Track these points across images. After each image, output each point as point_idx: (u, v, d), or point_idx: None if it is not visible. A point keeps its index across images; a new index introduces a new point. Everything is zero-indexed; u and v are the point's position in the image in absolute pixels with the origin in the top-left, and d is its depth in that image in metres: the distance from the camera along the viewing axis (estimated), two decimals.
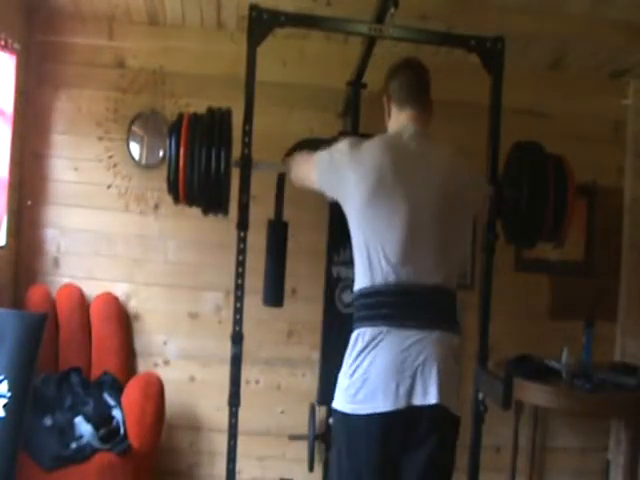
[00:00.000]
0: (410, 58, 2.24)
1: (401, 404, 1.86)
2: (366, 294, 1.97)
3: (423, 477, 1.94)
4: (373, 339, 1.91)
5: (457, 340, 2.00)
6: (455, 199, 2.01)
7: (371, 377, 1.89)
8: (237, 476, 2.44)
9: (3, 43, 2.94)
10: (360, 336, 1.94)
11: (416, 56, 2.26)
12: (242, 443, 2.43)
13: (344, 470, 1.98)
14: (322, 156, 2.12)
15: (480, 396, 2.44)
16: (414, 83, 2.17)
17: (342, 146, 2.07)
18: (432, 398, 1.87)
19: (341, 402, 1.95)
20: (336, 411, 1.99)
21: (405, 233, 1.92)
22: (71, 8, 3.36)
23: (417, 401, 1.87)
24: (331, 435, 2.13)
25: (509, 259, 3.56)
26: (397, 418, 1.87)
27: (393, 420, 1.88)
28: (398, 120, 2.16)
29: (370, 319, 1.94)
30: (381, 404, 1.87)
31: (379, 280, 1.93)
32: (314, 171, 2.14)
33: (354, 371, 1.92)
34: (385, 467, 1.94)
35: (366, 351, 1.91)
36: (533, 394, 3.09)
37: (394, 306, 1.92)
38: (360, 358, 1.92)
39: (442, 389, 1.88)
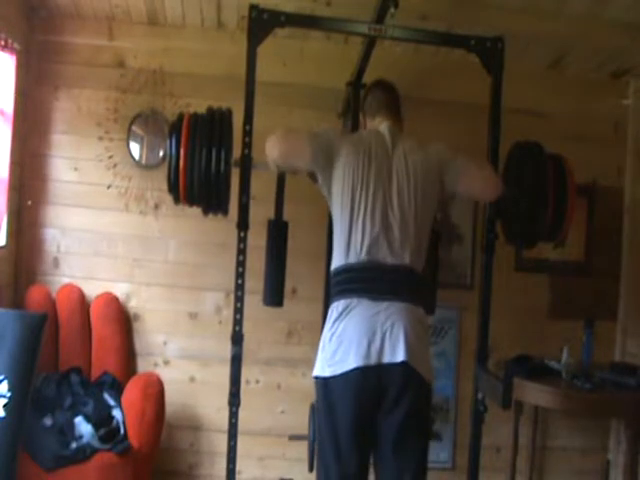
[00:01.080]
0: (381, 79, 2.47)
1: (372, 361, 2.03)
2: (341, 271, 2.16)
3: (399, 441, 2.08)
4: (346, 308, 2.10)
5: (422, 311, 2.18)
6: (424, 188, 2.17)
7: (345, 339, 2.07)
8: (237, 476, 2.44)
9: (3, 43, 2.93)
10: (335, 308, 2.14)
11: (385, 78, 2.47)
12: (242, 443, 2.43)
13: (324, 438, 2.13)
14: (314, 131, 2.24)
15: (480, 396, 2.44)
16: (384, 97, 2.37)
17: (332, 127, 2.29)
18: (400, 356, 2.02)
19: (320, 368, 2.13)
20: (317, 379, 2.15)
21: (382, 215, 2.12)
22: (71, 8, 3.36)
23: (386, 359, 2.03)
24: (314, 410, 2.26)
25: (509, 259, 3.56)
26: (369, 374, 2.03)
27: (365, 376, 2.03)
28: (372, 125, 2.36)
29: (343, 292, 2.13)
30: (353, 361, 2.03)
31: (353, 259, 2.13)
32: (306, 143, 2.18)
33: (330, 337, 2.11)
34: (361, 431, 2.08)
35: (340, 319, 2.10)
36: (533, 394, 3.09)
37: (364, 280, 2.11)
38: (335, 326, 2.11)
39: (410, 350, 2.03)
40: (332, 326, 2.12)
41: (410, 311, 2.11)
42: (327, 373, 2.09)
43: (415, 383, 2.07)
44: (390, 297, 2.09)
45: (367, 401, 2.06)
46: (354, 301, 2.09)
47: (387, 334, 2.04)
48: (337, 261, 2.18)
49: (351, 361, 2.03)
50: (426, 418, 2.22)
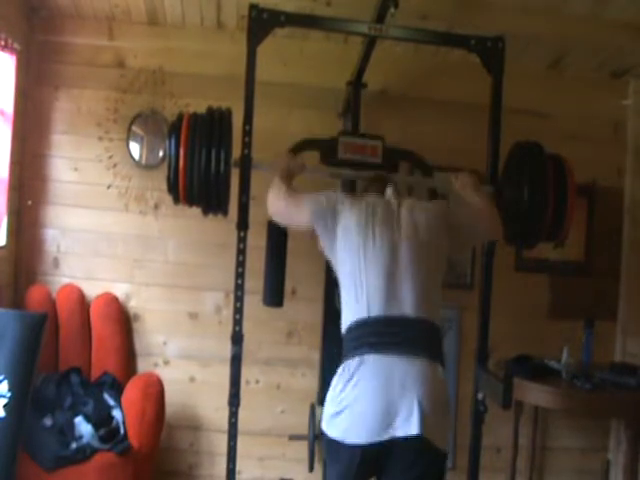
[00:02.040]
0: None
1: (383, 436, 1.86)
2: (354, 327, 2.00)
3: None
4: (357, 368, 1.93)
5: (442, 371, 1.98)
6: (431, 241, 2.07)
7: (354, 411, 1.90)
8: (237, 476, 2.45)
9: (3, 43, 2.93)
10: (346, 367, 1.96)
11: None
12: (242, 443, 2.43)
13: (332, 475, 2.04)
14: (313, 194, 2.16)
15: (480, 396, 2.44)
16: (382, 184, 2.31)
17: (331, 192, 2.21)
18: (414, 429, 1.84)
19: (328, 428, 1.98)
20: (323, 432, 2.02)
21: (390, 270, 2.00)
22: (71, 8, 3.36)
23: (399, 433, 1.85)
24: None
25: (509, 259, 3.55)
26: (379, 449, 1.88)
27: (375, 450, 1.88)
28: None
29: (355, 349, 1.96)
30: (364, 436, 1.87)
31: (365, 314, 1.98)
32: (306, 207, 2.13)
33: (340, 402, 1.94)
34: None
35: (352, 382, 1.93)
36: (533, 394, 3.09)
37: (378, 335, 1.95)
38: (346, 390, 1.93)
39: (425, 420, 1.85)
40: (342, 389, 1.94)
41: (426, 372, 1.93)
42: (333, 435, 1.96)
43: (429, 455, 1.91)
44: (404, 353, 1.93)
45: (374, 469, 1.96)
46: (368, 359, 1.93)
47: (401, 402, 1.87)
48: (348, 318, 2.04)
49: (360, 435, 1.88)
50: None
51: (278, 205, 2.22)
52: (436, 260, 2.09)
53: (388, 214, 2.09)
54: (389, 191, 2.24)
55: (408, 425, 1.84)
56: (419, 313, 1.98)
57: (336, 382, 1.98)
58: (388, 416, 1.86)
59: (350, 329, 2.02)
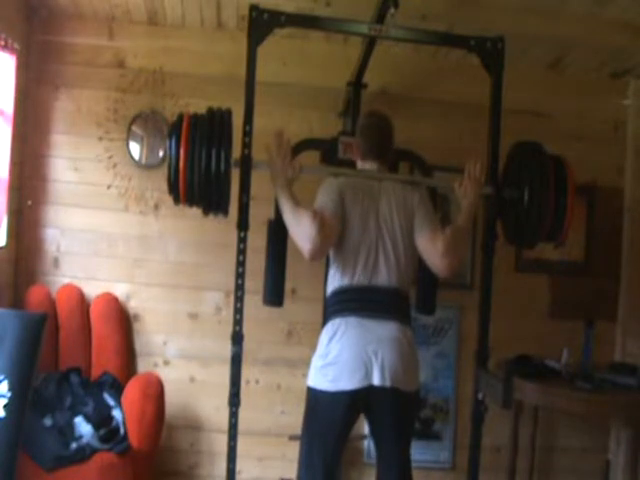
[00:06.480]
0: (373, 113, 2.59)
1: (363, 384, 2.22)
2: (338, 293, 2.34)
3: (385, 437, 2.35)
4: (340, 328, 2.27)
5: (409, 330, 2.35)
6: (402, 226, 2.35)
7: (339, 362, 2.24)
8: (237, 476, 2.45)
9: (3, 43, 2.93)
10: (331, 326, 2.31)
11: (378, 110, 2.60)
12: (242, 443, 2.43)
13: (314, 429, 2.32)
14: (320, 199, 2.32)
15: (480, 396, 2.45)
16: (373, 139, 2.49)
17: (325, 185, 2.38)
18: (386, 382, 2.21)
19: (315, 381, 2.30)
20: (310, 388, 2.32)
21: (371, 244, 2.31)
22: (71, 8, 3.36)
23: (376, 382, 2.21)
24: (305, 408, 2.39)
25: (509, 259, 3.56)
26: (359, 395, 2.23)
27: (356, 396, 2.23)
28: (362, 166, 2.52)
29: (340, 311, 2.31)
30: (348, 383, 2.22)
31: (348, 282, 2.32)
32: (333, 224, 2.25)
33: (326, 355, 2.27)
34: (348, 429, 2.35)
35: (335, 339, 2.27)
36: (533, 394, 3.09)
37: (358, 301, 2.30)
38: (331, 345, 2.27)
39: (396, 373, 2.23)
40: (328, 344, 2.28)
41: (397, 332, 2.28)
42: (322, 387, 2.26)
43: (400, 398, 2.26)
44: (380, 317, 2.28)
45: (356, 412, 2.33)
46: (349, 321, 2.27)
47: (377, 358, 2.22)
48: (334, 284, 2.35)
49: (344, 383, 2.22)
50: (411, 420, 2.49)
51: (314, 242, 2.18)
52: (408, 238, 2.35)
53: (372, 200, 2.35)
54: (375, 165, 2.46)
55: (382, 378, 2.21)
56: (392, 283, 2.31)
57: (322, 339, 2.32)
58: (366, 368, 2.21)
59: (335, 294, 2.35)
